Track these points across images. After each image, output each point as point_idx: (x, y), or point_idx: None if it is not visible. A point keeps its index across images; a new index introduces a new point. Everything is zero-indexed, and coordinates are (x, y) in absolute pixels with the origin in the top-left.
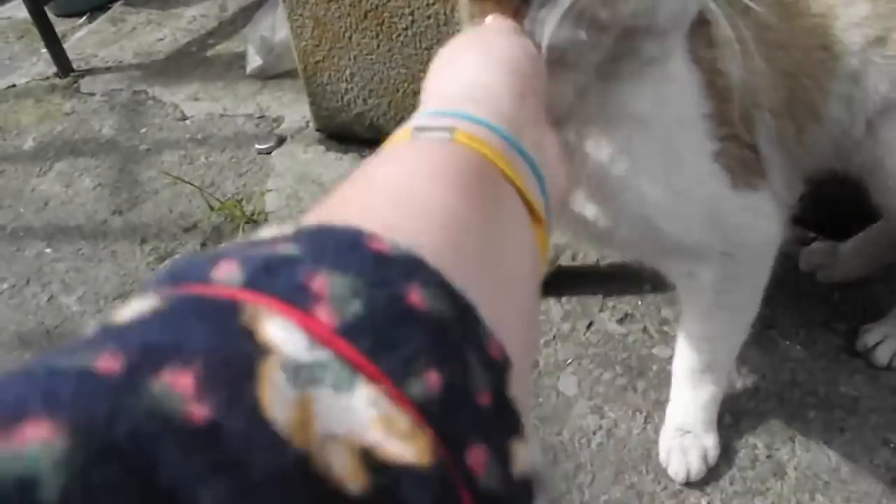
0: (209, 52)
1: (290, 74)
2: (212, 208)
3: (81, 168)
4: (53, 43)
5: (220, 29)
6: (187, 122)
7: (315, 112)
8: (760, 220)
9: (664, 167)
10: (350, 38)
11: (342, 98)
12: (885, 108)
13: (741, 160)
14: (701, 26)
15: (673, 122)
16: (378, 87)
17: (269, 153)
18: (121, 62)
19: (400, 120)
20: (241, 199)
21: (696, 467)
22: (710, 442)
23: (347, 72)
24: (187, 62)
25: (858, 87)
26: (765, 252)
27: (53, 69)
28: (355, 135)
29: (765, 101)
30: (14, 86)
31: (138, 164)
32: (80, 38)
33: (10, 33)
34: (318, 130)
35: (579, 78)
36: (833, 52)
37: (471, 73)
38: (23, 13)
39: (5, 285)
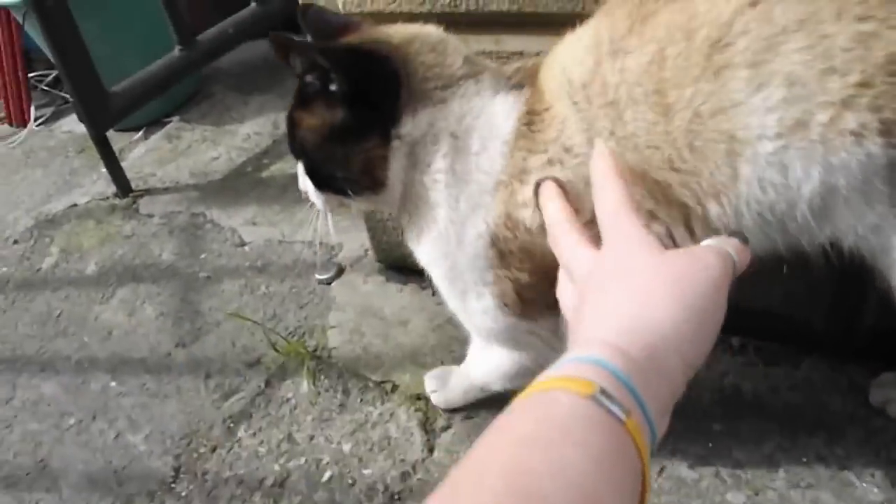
0: (264, 173)
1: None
2: (277, 350)
3: (143, 295)
4: (113, 164)
5: (274, 147)
6: (246, 248)
7: (375, 244)
8: (520, 341)
9: (450, 280)
10: None
11: (402, 232)
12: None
13: (518, 295)
14: (517, 167)
15: (450, 248)
16: None
17: (329, 283)
18: (178, 182)
19: None
20: (304, 334)
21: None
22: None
23: None
24: (243, 183)
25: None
26: (513, 363)
27: (113, 188)
28: (415, 267)
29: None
30: (75, 205)
31: (199, 293)
32: (139, 156)
33: (70, 148)
34: (379, 261)
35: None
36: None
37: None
38: (82, 128)
39: (72, 420)
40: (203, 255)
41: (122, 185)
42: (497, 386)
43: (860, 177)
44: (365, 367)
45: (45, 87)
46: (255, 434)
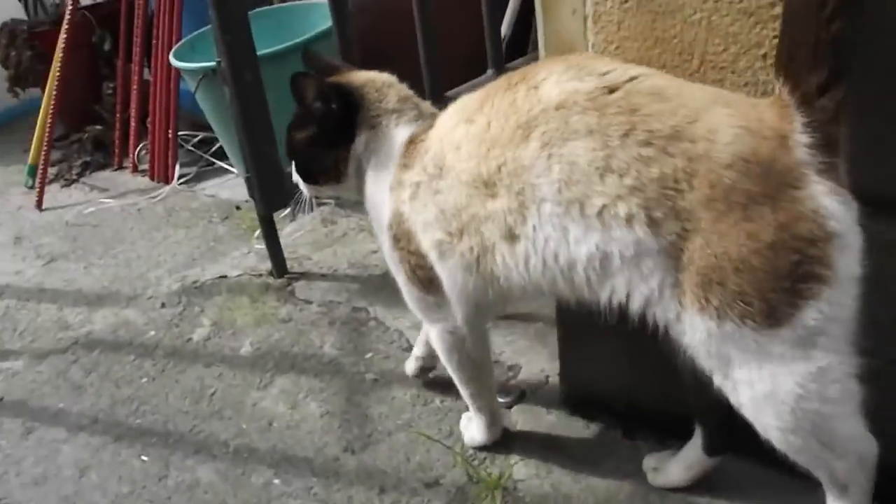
0: None
1: (519, 317)
2: (470, 477)
3: (306, 389)
4: (274, 244)
5: None
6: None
7: (565, 372)
8: (438, 317)
9: (385, 253)
10: None
11: (602, 365)
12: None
13: (413, 272)
14: (399, 177)
15: (380, 223)
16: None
17: (510, 408)
18: (335, 271)
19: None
20: (486, 460)
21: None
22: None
23: (620, 341)
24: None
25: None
26: (443, 337)
27: (266, 266)
28: (606, 406)
29: (432, 224)
30: (225, 277)
31: (367, 396)
32: (290, 235)
33: (213, 213)
34: (563, 391)
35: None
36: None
37: None
38: (226, 193)
39: None
40: (369, 355)
41: (279, 265)
42: (444, 360)
43: (633, 252)
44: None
45: (191, 148)
46: None
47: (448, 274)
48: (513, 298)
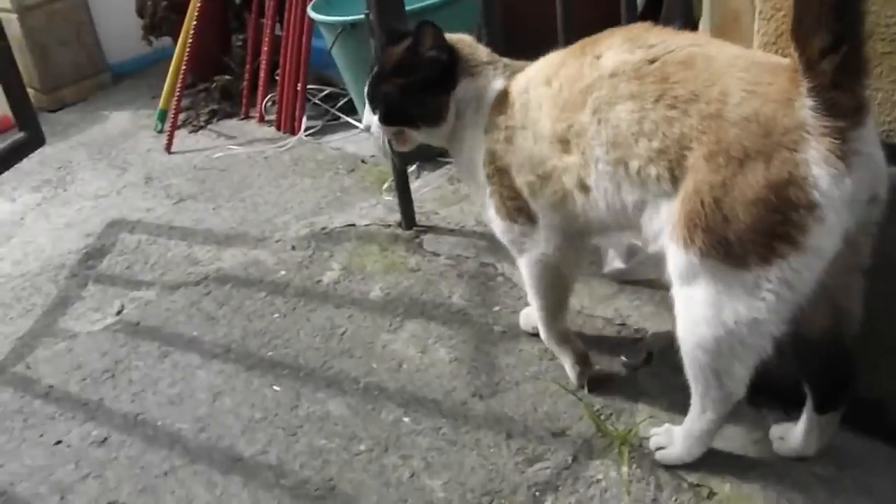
0: None
1: (649, 284)
2: (600, 430)
3: (435, 335)
4: (406, 197)
5: None
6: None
7: None
8: (528, 244)
9: (477, 189)
10: None
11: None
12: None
13: (503, 203)
14: (494, 121)
15: (473, 160)
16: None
17: (636, 369)
18: (463, 227)
19: None
20: (612, 415)
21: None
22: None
23: None
24: None
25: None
26: (544, 267)
27: (394, 217)
28: None
29: (523, 165)
30: (354, 225)
31: (495, 346)
32: (417, 191)
33: (339, 165)
34: None
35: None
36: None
37: None
38: (351, 147)
39: (362, 447)
40: (496, 308)
41: (409, 218)
42: (530, 287)
43: (657, 199)
44: (680, 466)
45: (317, 102)
46: None
47: (539, 209)
48: (594, 231)
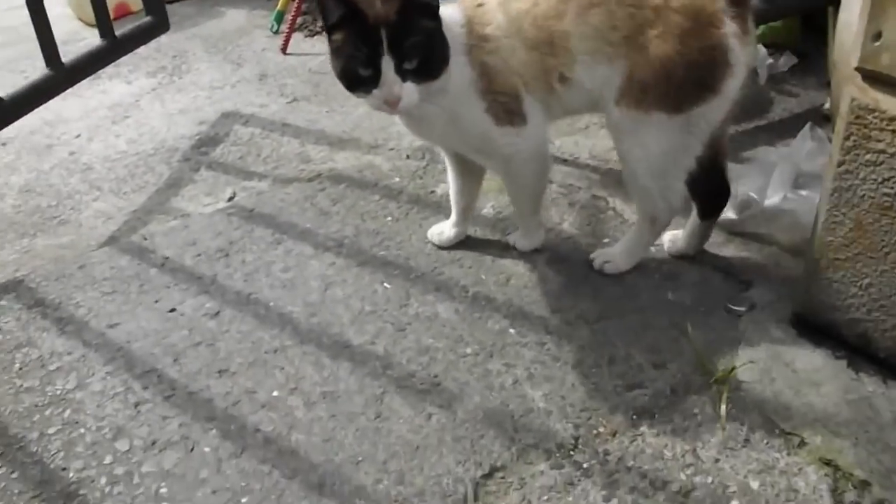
0: None
1: (758, 238)
2: (705, 366)
3: (544, 256)
4: None
5: None
6: (653, 249)
7: (804, 297)
8: (522, 142)
9: (459, 113)
10: (887, 253)
11: (844, 300)
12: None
13: (501, 111)
14: (476, 34)
15: (459, 89)
16: (891, 306)
17: (740, 316)
18: (577, 158)
19: None
20: (711, 356)
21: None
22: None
23: (865, 280)
24: None
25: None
26: (534, 155)
27: None
28: (838, 335)
29: (521, 75)
30: None
31: (602, 277)
32: None
33: None
34: (794, 312)
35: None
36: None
37: None
38: None
39: (468, 350)
40: (606, 241)
41: None
42: (521, 179)
43: (616, 72)
44: (773, 413)
45: None
46: (658, 435)
47: (528, 105)
48: (573, 111)
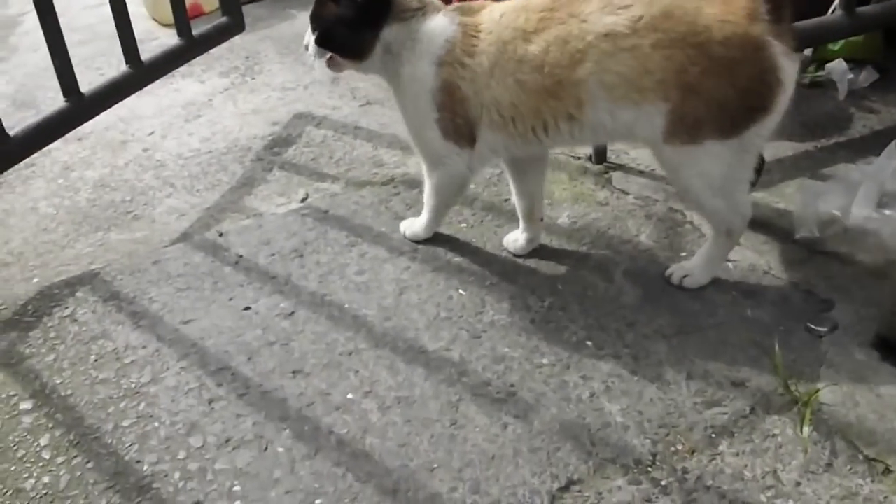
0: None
1: (839, 257)
2: (789, 387)
3: (622, 269)
4: None
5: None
6: (730, 265)
7: (888, 320)
8: (459, 162)
9: (407, 108)
10: None
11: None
12: None
13: (452, 127)
14: (456, 57)
15: (414, 88)
16: None
17: (821, 337)
18: (654, 170)
19: None
20: (792, 377)
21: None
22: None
23: None
24: None
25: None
26: (453, 177)
27: (586, 151)
28: None
29: (493, 106)
30: None
31: (680, 290)
32: None
33: None
34: (878, 335)
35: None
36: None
37: None
38: None
39: (544, 361)
40: (683, 254)
41: (600, 152)
42: (438, 195)
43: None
44: (857, 438)
45: None
46: (738, 455)
47: (491, 136)
48: (586, 143)
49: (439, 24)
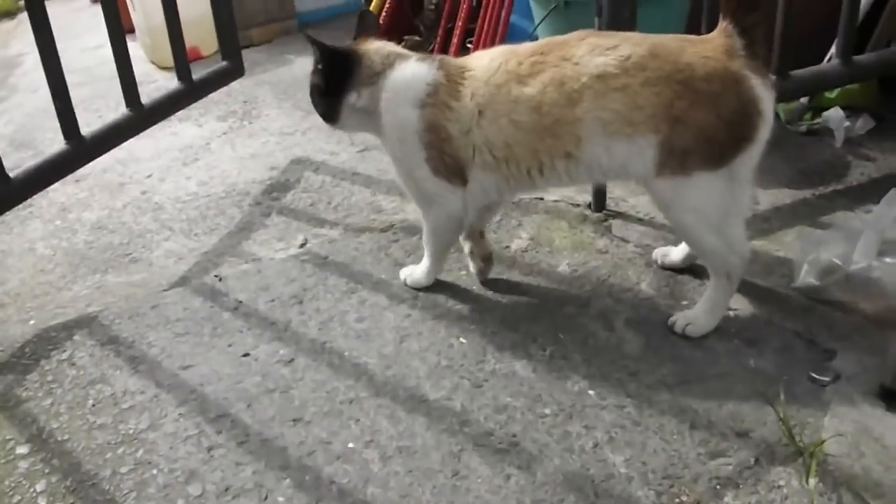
0: (765, 240)
1: (840, 306)
2: (793, 439)
3: (623, 317)
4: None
5: (753, 221)
6: (730, 312)
7: (892, 369)
8: (452, 200)
9: (395, 155)
10: None
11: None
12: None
13: (441, 165)
14: (441, 99)
15: (399, 133)
16: None
17: (824, 387)
18: (652, 218)
19: None
20: (795, 427)
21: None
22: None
23: None
24: None
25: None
26: (449, 216)
27: (583, 198)
28: None
29: (485, 147)
30: (542, 199)
31: (682, 339)
32: None
33: None
34: (882, 385)
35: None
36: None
37: None
38: None
39: (547, 410)
40: (685, 303)
41: (600, 200)
42: (434, 236)
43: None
44: (863, 489)
45: None
46: None
47: (484, 177)
48: (582, 182)
49: (415, 70)
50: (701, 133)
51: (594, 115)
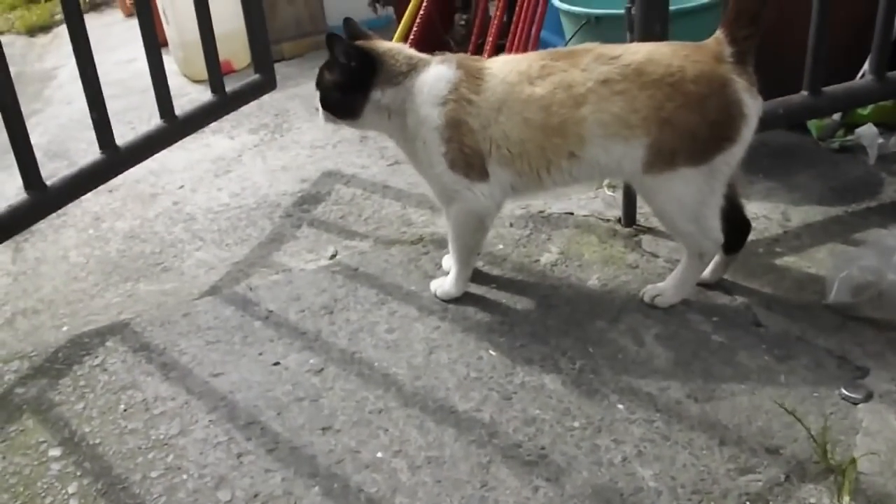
0: (777, 261)
1: (873, 323)
2: (828, 459)
3: (653, 333)
4: (629, 194)
5: (785, 238)
6: (761, 330)
7: None
8: (468, 193)
9: (417, 149)
10: None
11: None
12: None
13: (461, 159)
14: (462, 95)
15: (421, 130)
16: None
17: (856, 404)
18: None
19: None
20: (827, 445)
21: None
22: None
23: None
24: (753, 264)
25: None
26: (471, 211)
27: (613, 213)
28: None
29: (501, 141)
30: (572, 214)
31: (712, 355)
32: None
33: None
34: None
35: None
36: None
37: None
38: None
39: (576, 423)
40: (716, 319)
41: (630, 215)
42: (459, 234)
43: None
44: None
45: None
46: None
47: (501, 172)
48: (580, 181)
49: (438, 72)
50: (687, 133)
51: (596, 117)
